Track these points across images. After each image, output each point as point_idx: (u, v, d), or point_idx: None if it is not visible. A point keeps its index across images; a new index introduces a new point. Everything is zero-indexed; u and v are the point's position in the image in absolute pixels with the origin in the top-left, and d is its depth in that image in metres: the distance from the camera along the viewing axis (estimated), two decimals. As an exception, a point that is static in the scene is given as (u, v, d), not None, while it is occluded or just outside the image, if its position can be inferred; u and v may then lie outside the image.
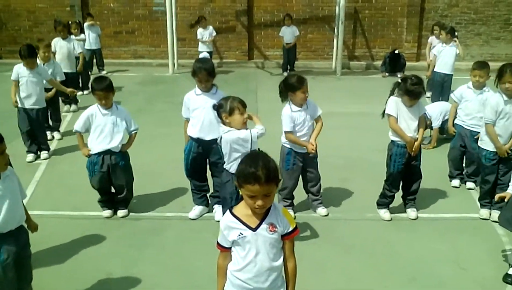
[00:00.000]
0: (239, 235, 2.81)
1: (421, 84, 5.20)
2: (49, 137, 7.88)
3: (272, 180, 2.70)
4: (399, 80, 5.29)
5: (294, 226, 2.90)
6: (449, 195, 6.23)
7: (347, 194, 6.19)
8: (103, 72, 12.97)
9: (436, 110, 7.72)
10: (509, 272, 4.50)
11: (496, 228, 5.39)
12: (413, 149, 5.27)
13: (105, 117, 5.37)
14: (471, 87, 6.30)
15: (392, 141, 5.41)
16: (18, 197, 3.66)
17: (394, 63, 13.32)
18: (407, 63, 13.51)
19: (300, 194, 5.74)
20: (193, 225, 5.49)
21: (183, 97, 5.50)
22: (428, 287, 4.42)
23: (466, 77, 6.71)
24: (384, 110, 5.34)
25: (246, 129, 4.51)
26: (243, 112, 4.46)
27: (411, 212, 5.62)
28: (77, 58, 10.24)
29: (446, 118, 7.27)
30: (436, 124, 7.60)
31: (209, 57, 5.41)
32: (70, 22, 11.35)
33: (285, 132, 5.29)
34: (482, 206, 5.71)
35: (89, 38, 12.41)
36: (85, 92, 10.85)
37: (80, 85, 10.86)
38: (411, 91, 5.13)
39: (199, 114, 5.33)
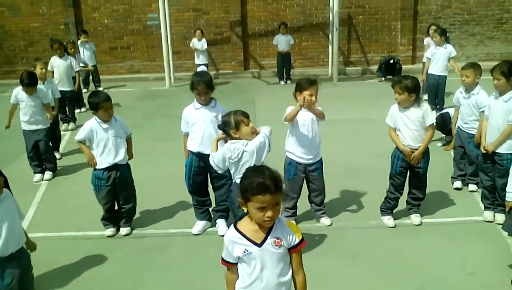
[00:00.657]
0: (244, 251, 2.78)
1: (412, 80, 5.18)
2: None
3: (280, 189, 2.70)
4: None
5: (301, 238, 2.86)
6: (452, 198, 6.21)
7: (349, 202, 6.17)
8: (100, 89, 12.99)
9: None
10: None
11: (501, 231, 5.35)
12: (412, 159, 5.27)
13: (106, 131, 5.36)
14: (462, 91, 6.34)
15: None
16: (17, 218, 3.66)
17: (389, 68, 13.36)
18: (403, 66, 13.56)
19: (303, 205, 5.71)
20: (197, 241, 5.46)
21: (182, 110, 5.48)
22: (437, 294, 4.39)
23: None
24: None
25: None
26: (248, 122, 4.43)
27: (415, 218, 5.60)
28: (73, 77, 10.22)
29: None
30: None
31: (206, 70, 5.41)
32: (66, 43, 11.36)
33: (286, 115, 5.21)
34: (486, 208, 5.69)
35: (84, 55, 12.44)
36: (82, 109, 10.86)
37: (77, 103, 10.84)
38: (396, 80, 5.25)
39: (198, 128, 5.31)
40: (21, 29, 14.86)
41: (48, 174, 7.23)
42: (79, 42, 12.48)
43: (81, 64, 11.13)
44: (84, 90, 12.25)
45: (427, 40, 11.32)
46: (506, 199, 4.53)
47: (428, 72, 9.73)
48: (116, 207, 5.63)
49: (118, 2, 14.70)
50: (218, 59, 15.00)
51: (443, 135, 7.99)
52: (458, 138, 6.42)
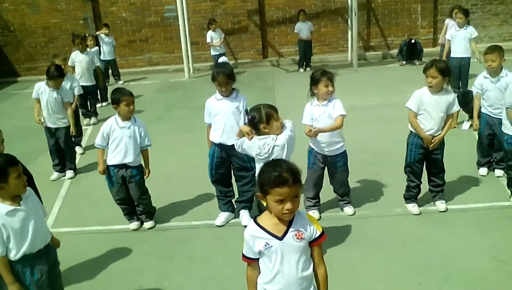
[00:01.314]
0: (265, 245, 2.75)
1: (445, 62, 5.13)
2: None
3: (298, 181, 2.68)
4: None
5: (321, 231, 2.84)
6: (478, 184, 6.10)
7: (374, 190, 6.10)
8: (120, 82, 13.07)
9: None
10: None
11: (530, 215, 5.26)
12: (431, 145, 5.19)
13: (122, 130, 5.35)
14: (487, 76, 6.11)
15: (410, 131, 5.38)
16: (42, 215, 3.69)
17: (411, 51, 13.15)
18: (424, 49, 13.31)
19: (326, 194, 5.66)
20: (221, 232, 5.46)
21: (202, 101, 5.48)
22: (466, 282, 4.30)
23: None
24: None
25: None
26: (277, 117, 4.36)
27: (440, 205, 5.51)
28: (95, 70, 10.29)
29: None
30: None
31: (227, 60, 5.39)
32: (86, 35, 11.43)
33: (304, 124, 5.22)
34: (513, 193, 5.57)
35: (103, 49, 12.51)
36: (104, 104, 10.93)
37: (99, 97, 10.92)
38: (428, 64, 5.13)
39: (220, 119, 5.28)
40: (41, 26, 15.00)
41: (70, 173, 7.26)
42: (101, 35, 12.52)
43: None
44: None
45: (448, 20, 11.07)
46: None
47: (451, 55, 9.53)
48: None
49: (135, -5, 14.73)
50: (236, 49, 14.94)
51: (463, 120, 7.84)
52: (487, 125, 6.21)
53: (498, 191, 5.86)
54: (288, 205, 2.64)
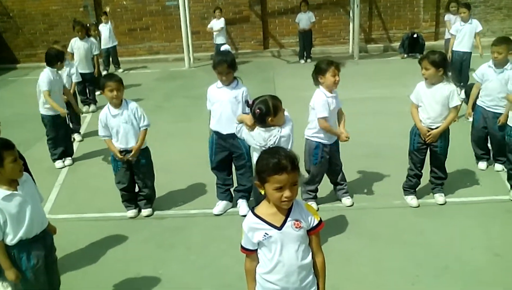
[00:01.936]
0: (264, 235, 2.73)
1: (439, 54, 5.08)
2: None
3: (297, 168, 2.66)
4: None
5: (319, 219, 2.83)
6: (477, 177, 6.08)
7: (372, 182, 6.08)
8: (120, 70, 13.03)
9: None
10: None
11: (528, 210, 5.25)
12: (427, 138, 5.19)
13: (116, 118, 5.29)
14: (492, 66, 6.06)
15: None
16: (38, 200, 3.68)
17: (412, 44, 13.09)
18: (426, 43, 13.25)
19: (324, 186, 5.64)
20: (218, 221, 5.45)
21: (202, 91, 5.48)
22: (462, 275, 4.29)
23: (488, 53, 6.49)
24: None
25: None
26: (282, 108, 4.33)
27: (439, 197, 5.50)
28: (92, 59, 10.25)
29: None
30: None
31: (229, 49, 5.35)
32: (88, 24, 11.39)
33: (321, 118, 5.08)
34: (512, 187, 5.55)
35: (103, 36, 12.45)
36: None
37: (98, 85, 10.87)
38: (423, 56, 5.14)
39: (217, 107, 5.26)
40: (41, 12, 14.90)
41: (68, 160, 7.23)
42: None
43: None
44: (104, 72, 12.28)
45: (447, 17, 11.00)
46: None
47: (453, 48, 9.48)
48: (136, 189, 5.64)
49: (136, -17, 14.64)
50: (237, 39, 14.86)
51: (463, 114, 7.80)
52: (481, 118, 6.19)
53: (497, 185, 5.85)
54: (287, 193, 2.63)
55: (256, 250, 2.83)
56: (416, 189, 5.58)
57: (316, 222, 2.80)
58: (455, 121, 7.60)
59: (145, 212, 5.60)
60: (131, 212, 5.59)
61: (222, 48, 5.57)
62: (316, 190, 5.51)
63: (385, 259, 4.59)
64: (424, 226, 5.10)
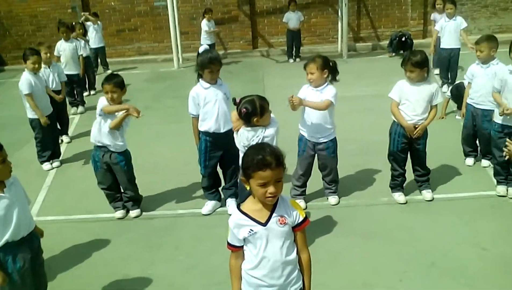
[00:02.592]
0: (249, 231, 2.74)
1: (421, 54, 5.10)
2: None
3: (281, 164, 2.67)
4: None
5: (304, 216, 2.84)
6: (464, 173, 6.12)
7: (360, 179, 6.10)
8: (108, 71, 12.96)
9: None
10: None
11: (515, 205, 5.30)
12: (414, 134, 5.23)
13: (111, 117, 5.25)
14: (479, 63, 6.13)
15: (393, 120, 5.42)
16: (26, 202, 3.65)
17: (401, 43, 13.13)
18: (414, 41, 13.30)
19: (313, 184, 5.65)
20: (207, 221, 5.44)
21: (190, 91, 5.37)
22: (450, 270, 4.31)
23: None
24: None
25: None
26: (269, 109, 4.35)
27: (426, 193, 5.53)
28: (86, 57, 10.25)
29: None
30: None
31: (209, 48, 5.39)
32: (74, 24, 11.31)
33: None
34: (499, 183, 5.59)
35: (91, 36, 12.38)
36: (92, 92, 10.86)
37: (86, 86, 10.83)
38: (405, 59, 5.16)
39: (212, 107, 5.19)
40: (29, 14, 14.79)
41: (56, 162, 7.18)
42: (85, 20, 12.38)
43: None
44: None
45: (433, 16, 11.06)
46: None
47: (441, 46, 9.53)
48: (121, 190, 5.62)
49: (125, -16, 14.58)
50: (226, 39, 14.85)
51: (452, 110, 7.87)
52: (470, 116, 6.22)
53: (484, 181, 5.89)
54: (271, 189, 2.63)
55: (242, 246, 2.83)
56: (404, 186, 5.61)
57: (301, 218, 2.81)
58: (443, 118, 7.72)
59: (133, 213, 5.58)
60: (119, 213, 5.57)
61: (201, 48, 5.52)
62: (303, 186, 5.51)
63: (373, 256, 4.61)
64: (412, 222, 5.13)
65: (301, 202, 5.41)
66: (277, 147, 2.80)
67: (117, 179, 5.49)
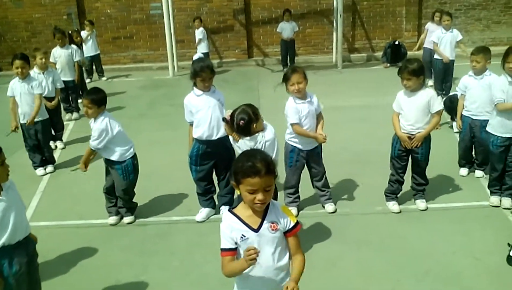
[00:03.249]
0: (241, 237, 2.73)
1: (417, 62, 5.15)
2: (52, 146, 7.73)
3: (271, 172, 2.66)
4: None
5: (296, 221, 2.83)
6: (458, 183, 6.14)
7: (355, 188, 6.12)
8: (103, 79, 12.98)
9: None
10: (511, 254, 4.49)
11: (507, 216, 5.32)
12: (411, 144, 5.24)
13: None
14: (472, 75, 6.18)
15: None
16: (22, 206, 3.63)
17: (395, 54, 13.24)
18: (408, 52, 13.38)
19: (307, 191, 5.66)
20: (201, 228, 5.43)
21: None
22: (443, 279, 4.33)
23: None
24: None
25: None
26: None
27: (421, 203, 5.55)
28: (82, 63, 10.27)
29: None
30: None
31: (203, 57, 5.46)
32: (70, 32, 11.31)
33: (292, 124, 5.18)
34: (492, 193, 5.62)
35: (86, 45, 12.38)
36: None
37: (81, 92, 10.80)
38: (401, 67, 5.21)
39: (204, 114, 5.22)
40: (24, 20, 14.77)
41: (50, 167, 7.16)
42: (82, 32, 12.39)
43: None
44: (87, 80, 12.22)
45: (428, 25, 11.18)
46: None
47: (435, 57, 9.65)
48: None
49: (121, -8, 14.62)
50: (221, 48, 14.89)
51: (446, 121, 7.93)
52: (468, 128, 6.23)
53: (478, 191, 5.93)
54: (259, 196, 2.63)
55: (235, 250, 2.78)
56: (398, 195, 5.63)
57: (292, 224, 2.80)
58: (437, 129, 7.75)
59: (126, 219, 5.56)
60: (112, 219, 5.55)
61: (195, 56, 5.55)
62: (295, 193, 5.51)
63: (368, 264, 4.61)
64: (406, 231, 5.14)
65: (293, 209, 5.41)
66: (268, 155, 2.79)
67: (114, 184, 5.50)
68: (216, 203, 5.68)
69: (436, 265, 4.51)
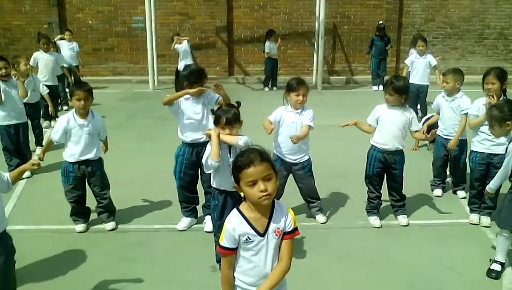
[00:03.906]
0: (246, 239, 2.69)
1: (403, 81, 5.34)
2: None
3: (266, 160, 2.63)
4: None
5: (296, 226, 2.80)
6: (438, 201, 6.24)
7: (337, 203, 6.15)
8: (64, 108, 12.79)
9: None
10: (491, 268, 4.58)
11: (486, 233, 5.41)
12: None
13: (81, 129, 5.23)
14: (444, 96, 6.27)
15: (371, 145, 5.54)
16: (0, 201, 3.52)
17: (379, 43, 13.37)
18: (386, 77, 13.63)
19: (290, 202, 5.64)
20: (182, 236, 5.36)
21: (166, 112, 5.43)
22: (426, 292, 4.36)
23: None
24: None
25: None
26: None
27: (402, 219, 5.60)
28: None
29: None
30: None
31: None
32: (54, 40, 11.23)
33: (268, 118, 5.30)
34: (472, 211, 5.71)
35: (65, 55, 12.18)
36: (64, 107, 10.69)
37: (59, 101, 10.67)
38: (387, 82, 5.36)
39: (190, 118, 5.20)
40: (3, 27, 14.57)
41: (26, 172, 6.98)
42: (59, 39, 12.20)
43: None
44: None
45: (412, 51, 11.43)
46: (487, 189, 4.72)
47: (410, 81, 9.83)
48: (86, 204, 5.54)
49: (103, 4, 14.56)
50: (202, 64, 14.79)
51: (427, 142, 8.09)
52: (441, 147, 6.35)
53: (456, 209, 6.02)
54: (261, 186, 2.58)
55: (236, 250, 2.75)
56: (379, 210, 5.68)
57: (292, 227, 2.78)
58: (416, 150, 7.90)
59: (108, 226, 5.45)
60: (80, 227, 5.42)
61: (180, 65, 5.54)
62: None
63: (351, 276, 4.61)
64: (388, 245, 5.17)
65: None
66: (261, 146, 2.77)
67: (85, 192, 5.42)
68: (199, 213, 5.62)
69: (419, 279, 4.54)
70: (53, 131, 5.33)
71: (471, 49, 15.30)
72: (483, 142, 5.48)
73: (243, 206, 2.76)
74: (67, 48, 12.15)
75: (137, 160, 7.69)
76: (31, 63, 9.26)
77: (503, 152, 4.67)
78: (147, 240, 5.27)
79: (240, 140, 4.23)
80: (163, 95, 5.52)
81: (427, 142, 8.14)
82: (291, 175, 5.56)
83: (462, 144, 6.18)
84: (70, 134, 5.23)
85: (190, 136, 5.23)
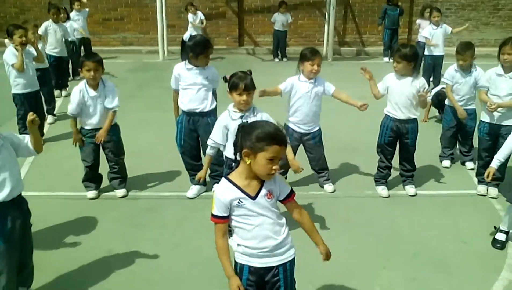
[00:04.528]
0: (238, 202, 2.75)
1: (410, 48, 5.27)
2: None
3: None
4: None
5: (290, 188, 2.93)
6: (446, 172, 6.25)
7: (345, 173, 6.18)
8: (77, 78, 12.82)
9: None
10: (496, 237, 4.60)
11: (494, 204, 5.43)
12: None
13: (94, 100, 5.25)
14: (458, 70, 6.18)
15: (385, 114, 5.53)
16: (16, 164, 3.61)
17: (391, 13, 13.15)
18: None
19: (299, 175, 5.68)
20: (192, 204, 5.44)
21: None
22: (431, 261, 4.40)
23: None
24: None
25: None
26: None
27: (410, 189, 5.63)
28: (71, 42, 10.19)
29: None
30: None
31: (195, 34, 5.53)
32: (65, 8, 11.19)
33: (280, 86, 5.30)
34: (479, 182, 5.72)
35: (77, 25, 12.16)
36: (77, 78, 10.74)
37: (70, 70, 10.71)
38: (395, 49, 5.39)
39: (189, 88, 5.28)
40: (13, -4, 14.59)
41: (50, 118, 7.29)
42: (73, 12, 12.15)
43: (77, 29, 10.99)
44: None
45: (419, 21, 11.36)
46: (491, 165, 4.64)
47: (426, 53, 9.77)
48: (99, 170, 5.61)
49: (113, -27, 14.49)
50: (212, 34, 14.83)
51: (437, 114, 8.06)
52: (452, 118, 6.34)
53: (464, 180, 6.05)
54: (276, 165, 2.67)
55: (227, 218, 2.80)
56: (387, 180, 5.70)
57: (288, 190, 2.91)
58: (426, 122, 7.86)
59: (120, 193, 5.54)
60: (92, 193, 5.51)
61: (186, 35, 5.55)
62: (284, 173, 5.43)
63: (357, 245, 4.67)
64: (395, 215, 5.22)
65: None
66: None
67: (98, 158, 5.48)
68: (208, 180, 5.67)
69: (424, 248, 4.59)
70: (69, 106, 5.36)
71: (485, 21, 15.05)
72: (491, 113, 5.44)
73: (232, 175, 2.81)
74: (79, 18, 12.11)
75: (147, 129, 7.74)
76: (40, 32, 9.25)
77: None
78: (157, 207, 5.36)
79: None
80: (173, 66, 5.52)
81: (437, 114, 8.12)
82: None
83: (473, 113, 6.17)
84: (85, 106, 5.26)
85: (187, 105, 5.30)
